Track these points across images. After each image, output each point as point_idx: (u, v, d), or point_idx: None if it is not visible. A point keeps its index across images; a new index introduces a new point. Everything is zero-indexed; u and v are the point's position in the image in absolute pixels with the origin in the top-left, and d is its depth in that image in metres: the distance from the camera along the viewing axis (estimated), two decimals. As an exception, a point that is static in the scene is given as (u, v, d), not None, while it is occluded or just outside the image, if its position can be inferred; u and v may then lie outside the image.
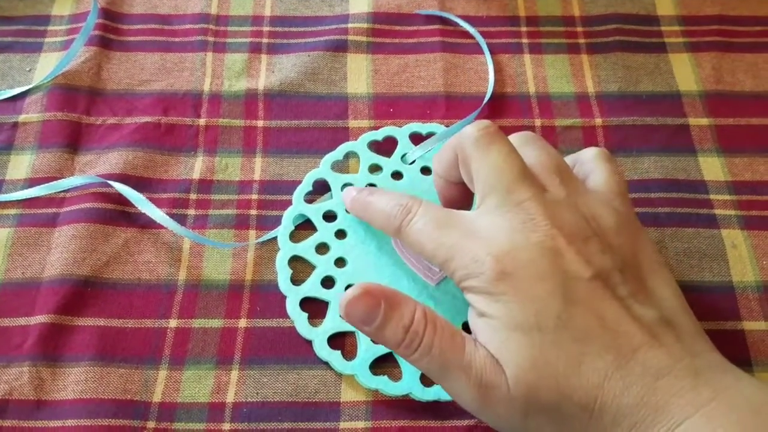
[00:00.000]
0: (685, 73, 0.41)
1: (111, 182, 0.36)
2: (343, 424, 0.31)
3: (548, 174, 0.28)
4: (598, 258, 0.26)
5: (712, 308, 0.34)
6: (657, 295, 0.26)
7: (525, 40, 0.43)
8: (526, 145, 0.29)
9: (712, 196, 0.37)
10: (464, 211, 0.28)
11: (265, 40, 0.42)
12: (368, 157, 0.38)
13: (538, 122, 0.40)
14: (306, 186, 0.37)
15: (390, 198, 0.31)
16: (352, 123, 0.39)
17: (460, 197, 0.32)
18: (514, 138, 0.30)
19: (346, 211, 0.35)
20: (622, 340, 0.24)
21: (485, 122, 0.29)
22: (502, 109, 0.40)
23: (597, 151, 0.31)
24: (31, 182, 0.37)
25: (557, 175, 0.28)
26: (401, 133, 0.38)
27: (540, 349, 0.25)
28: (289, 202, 0.36)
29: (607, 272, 0.26)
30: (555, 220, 0.26)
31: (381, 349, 0.32)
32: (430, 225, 0.28)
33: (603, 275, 0.25)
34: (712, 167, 0.38)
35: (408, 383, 0.31)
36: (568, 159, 0.31)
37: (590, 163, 0.30)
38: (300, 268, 0.34)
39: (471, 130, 0.28)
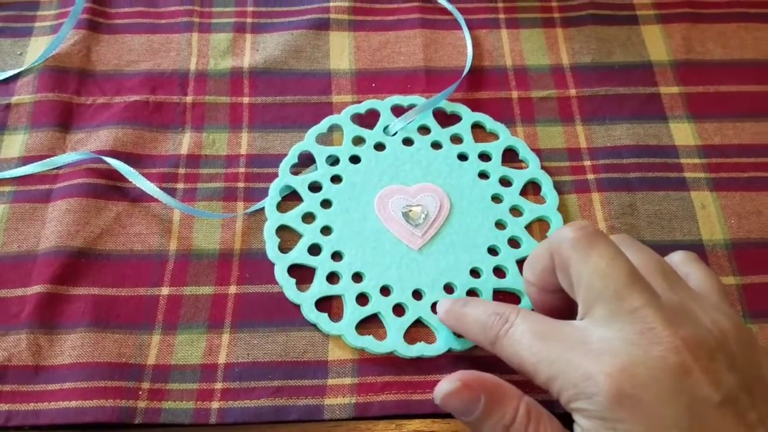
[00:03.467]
0: (657, 43, 0.43)
1: (104, 157, 0.37)
2: (330, 381, 0.32)
3: (654, 277, 0.25)
4: (726, 377, 0.23)
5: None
6: None
7: (502, 16, 0.44)
8: (624, 248, 0.26)
9: (682, 160, 0.38)
10: (569, 321, 0.25)
11: (249, 20, 0.44)
12: (351, 130, 0.39)
13: (515, 94, 0.41)
14: (292, 158, 0.38)
15: (485, 307, 0.28)
16: (336, 98, 0.41)
17: (560, 308, 0.28)
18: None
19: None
20: None
21: (582, 222, 0.26)
22: (480, 82, 0.41)
23: (686, 254, 0.28)
24: (25, 160, 0.38)
25: (664, 278, 0.25)
26: (383, 105, 0.40)
27: None
28: (275, 175, 0.37)
29: (736, 395, 0.22)
30: (677, 329, 0.23)
31: (366, 311, 0.33)
32: (530, 336, 0.25)
33: (732, 399, 0.22)
34: (682, 133, 0.39)
35: (392, 341, 0.33)
36: None
37: (684, 266, 0.28)
38: (287, 236, 0.36)
39: (567, 231, 0.26)
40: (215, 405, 0.31)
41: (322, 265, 0.35)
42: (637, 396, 0.22)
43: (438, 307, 0.32)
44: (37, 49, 0.42)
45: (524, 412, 0.25)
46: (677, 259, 0.28)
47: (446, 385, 0.26)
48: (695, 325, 0.23)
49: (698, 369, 0.22)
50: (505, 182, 0.38)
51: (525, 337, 0.25)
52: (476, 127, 0.40)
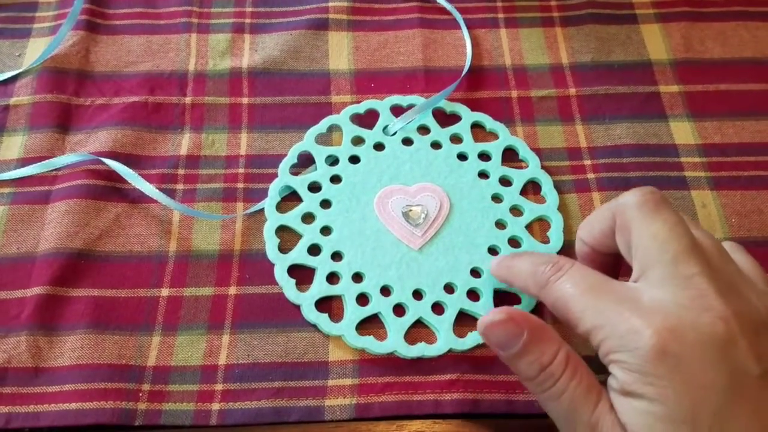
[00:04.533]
0: (656, 42, 0.43)
1: (103, 159, 0.37)
2: (331, 382, 0.32)
3: (710, 253, 0.25)
4: None
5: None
6: None
7: (501, 15, 0.44)
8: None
9: (682, 159, 0.38)
10: (622, 281, 0.26)
11: (247, 21, 0.43)
12: (351, 130, 0.39)
13: (514, 93, 0.41)
14: (291, 159, 0.38)
15: (538, 257, 0.29)
16: (335, 98, 0.41)
17: (605, 272, 0.28)
18: None
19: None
20: None
21: (649, 188, 0.26)
22: (479, 81, 0.41)
23: (734, 244, 0.29)
24: (24, 162, 0.38)
25: (719, 255, 0.26)
26: (382, 105, 0.40)
27: None
28: (274, 175, 0.37)
29: None
30: (728, 300, 0.23)
31: (366, 311, 0.33)
32: (582, 286, 0.26)
33: None
34: (682, 131, 0.39)
35: (393, 342, 0.33)
36: None
37: (732, 254, 0.28)
38: (287, 237, 0.36)
39: (634, 194, 0.26)
40: (215, 406, 0.31)
41: (322, 265, 0.35)
42: (680, 356, 0.22)
43: (491, 263, 0.32)
44: (35, 51, 0.42)
45: (563, 356, 0.25)
46: (726, 248, 0.28)
47: (491, 315, 0.26)
48: (745, 301, 0.24)
49: (743, 341, 0.23)
50: (505, 182, 0.38)
51: (576, 287, 0.26)
52: (476, 126, 0.40)
